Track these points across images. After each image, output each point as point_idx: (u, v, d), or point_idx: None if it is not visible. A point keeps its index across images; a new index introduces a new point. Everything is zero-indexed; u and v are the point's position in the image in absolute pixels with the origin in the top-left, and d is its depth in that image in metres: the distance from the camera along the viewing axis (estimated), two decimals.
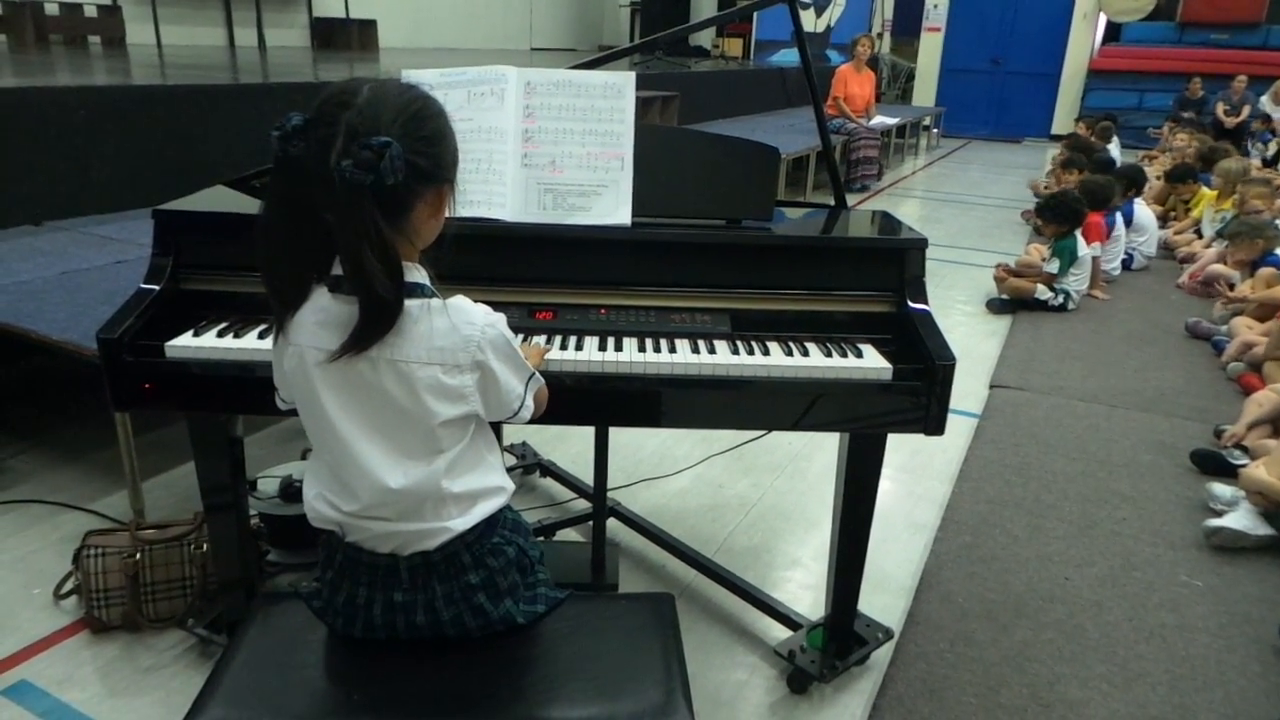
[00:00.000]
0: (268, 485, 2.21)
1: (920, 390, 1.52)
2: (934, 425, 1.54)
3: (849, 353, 1.58)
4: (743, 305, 1.66)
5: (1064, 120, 12.07)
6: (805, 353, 1.57)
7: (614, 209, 1.67)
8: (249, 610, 1.27)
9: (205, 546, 1.96)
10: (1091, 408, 3.41)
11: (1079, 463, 2.94)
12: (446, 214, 1.14)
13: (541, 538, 2.34)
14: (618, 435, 2.96)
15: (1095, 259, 4.89)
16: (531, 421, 1.28)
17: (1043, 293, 4.61)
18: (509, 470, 2.69)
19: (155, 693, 1.80)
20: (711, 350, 1.56)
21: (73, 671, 1.86)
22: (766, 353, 1.56)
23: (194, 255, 1.59)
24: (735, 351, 1.56)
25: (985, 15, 12.53)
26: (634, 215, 1.66)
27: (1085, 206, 4.72)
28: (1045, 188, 6.93)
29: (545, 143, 1.68)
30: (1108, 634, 2.07)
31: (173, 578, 1.96)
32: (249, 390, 1.47)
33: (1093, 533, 2.51)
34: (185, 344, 1.48)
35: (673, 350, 1.55)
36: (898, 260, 1.68)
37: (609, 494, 2.53)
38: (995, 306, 4.71)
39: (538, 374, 1.23)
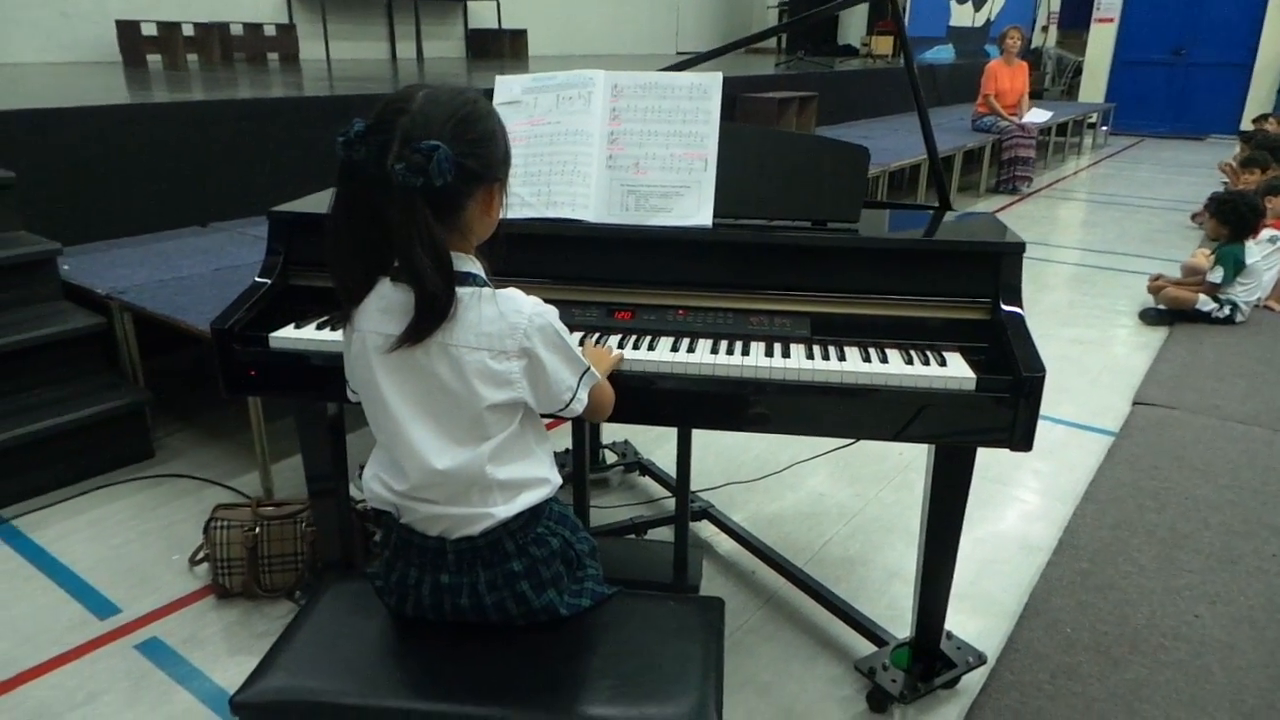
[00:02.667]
0: None
1: (1006, 402, 1.44)
2: (1020, 440, 1.45)
3: (931, 360, 1.51)
4: (824, 309, 1.63)
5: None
6: (884, 359, 1.51)
7: (696, 210, 1.67)
8: (323, 583, 1.35)
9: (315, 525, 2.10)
10: (1250, 430, 3.09)
11: (1228, 490, 2.67)
12: (500, 212, 1.18)
13: (633, 535, 2.36)
14: (722, 437, 2.95)
15: None
16: (595, 420, 1.30)
17: (1205, 303, 4.21)
18: (609, 466, 2.77)
19: None
20: (786, 354, 1.53)
21: (197, 631, 2.04)
22: (843, 358, 1.52)
23: (301, 253, 1.72)
24: (810, 356, 1.52)
25: (1165, 3, 11.59)
26: (716, 216, 1.66)
27: (1259, 215, 4.28)
28: (1224, 184, 6.35)
29: (630, 145, 1.70)
30: (1236, 679, 1.88)
31: (286, 552, 2.11)
32: (341, 380, 1.57)
33: (1234, 568, 2.28)
34: (287, 335, 1.60)
35: (745, 353, 1.53)
36: (992, 265, 1.59)
37: (706, 495, 2.53)
38: (1150, 317, 4.35)
39: (595, 372, 1.25)
